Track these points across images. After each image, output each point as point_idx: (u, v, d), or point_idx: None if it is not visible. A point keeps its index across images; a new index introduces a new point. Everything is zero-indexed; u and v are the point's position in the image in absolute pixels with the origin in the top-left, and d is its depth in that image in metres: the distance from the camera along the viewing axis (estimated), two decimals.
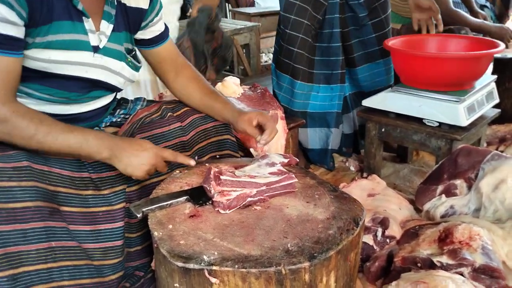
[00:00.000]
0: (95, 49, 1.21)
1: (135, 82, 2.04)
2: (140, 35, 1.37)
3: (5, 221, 1.01)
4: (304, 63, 2.29)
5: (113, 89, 1.33)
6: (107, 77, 1.26)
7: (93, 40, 1.20)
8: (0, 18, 1.01)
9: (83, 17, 1.17)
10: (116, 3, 1.23)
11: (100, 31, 1.21)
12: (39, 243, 1.05)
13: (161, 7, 1.39)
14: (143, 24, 1.34)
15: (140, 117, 1.38)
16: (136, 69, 1.34)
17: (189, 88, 1.43)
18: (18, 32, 1.06)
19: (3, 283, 0.99)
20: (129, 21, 1.30)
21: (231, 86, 2.02)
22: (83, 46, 1.18)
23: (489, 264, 1.26)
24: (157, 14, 1.37)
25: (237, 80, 2.08)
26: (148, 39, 1.38)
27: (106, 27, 1.23)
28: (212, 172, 1.14)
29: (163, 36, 1.41)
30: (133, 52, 1.36)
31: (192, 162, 1.22)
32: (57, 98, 1.19)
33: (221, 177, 1.12)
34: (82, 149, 1.10)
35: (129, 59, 1.31)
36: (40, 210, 1.05)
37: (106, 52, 1.23)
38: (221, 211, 1.09)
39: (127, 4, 1.28)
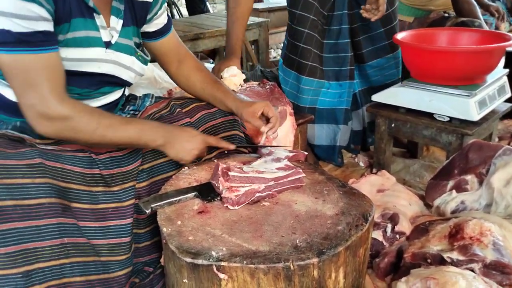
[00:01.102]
0: (107, 45, 1.22)
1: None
2: (145, 28, 1.38)
3: (20, 217, 1.02)
4: (312, 59, 2.28)
5: (123, 84, 1.34)
6: (119, 72, 1.28)
7: (105, 36, 1.22)
8: (35, 17, 1.03)
9: (94, 14, 1.18)
10: None
11: (110, 27, 1.23)
12: (53, 239, 1.06)
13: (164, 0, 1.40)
14: (149, 17, 1.36)
15: (150, 113, 1.39)
16: (145, 62, 1.36)
17: (192, 78, 1.46)
18: (51, 27, 1.08)
19: (18, 279, 1.00)
20: (136, 15, 1.31)
21: (229, 80, 1.99)
22: (95, 42, 1.20)
23: (500, 260, 1.25)
24: (161, 7, 1.38)
25: (234, 70, 2.04)
26: (153, 31, 1.40)
27: (116, 22, 1.24)
28: (220, 168, 1.14)
29: (167, 28, 1.43)
30: (141, 46, 1.37)
31: (232, 146, 1.33)
32: (70, 94, 1.20)
33: (230, 173, 1.12)
34: (140, 138, 1.17)
35: (138, 53, 1.33)
36: (53, 206, 1.06)
37: (117, 47, 1.25)
38: (230, 207, 1.09)
39: None
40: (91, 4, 1.15)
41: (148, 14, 1.35)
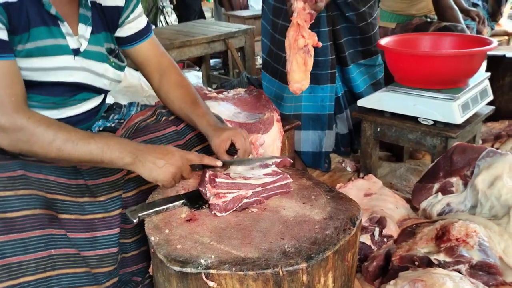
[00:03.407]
0: (76, 52, 1.19)
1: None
2: (118, 33, 1.34)
3: (3, 231, 1.00)
4: None
5: (100, 91, 1.31)
6: (91, 79, 1.24)
7: (72, 43, 1.18)
8: None
9: (58, 21, 1.15)
10: (90, 5, 1.21)
11: (79, 35, 1.20)
12: (38, 252, 1.05)
13: (137, 3, 1.35)
14: (120, 21, 1.32)
15: (135, 122, 1.37)
16: (120, 68, 1.32)
17: (170, 95, 1.38)
18: (4, 35, 1.04)
19: None
20: (107, 21, 1.28)
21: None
22: (62, 50, 1.16)
23: (486, 261, 1.27)
24: (132, 11, 1.34)
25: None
26: (126, 37, 1.35)
27: (85, 30, 1.21)
28: (207, 175, 1.14)
29: (143, 34, 1.37)
30: (116, 52, 1.33)
31: (219, 163, 1.20)
32: (44, 104, 1.18)
33: (217, 179, 1.12)
34: (104, 155, 1.07)
35: (111, 60, 1.29)
36: (39, 217, 1.05)
37: (87, 55, 1.22)
38: (218, 214, 1.09)
39: (103, 4, 1.25)
40: (53, 11, 1.12)
41: (120, 18, 1.31)
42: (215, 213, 1.09)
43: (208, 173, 1.15)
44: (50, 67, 1.14)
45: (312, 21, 1.64)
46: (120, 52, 1.36)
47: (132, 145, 1.11)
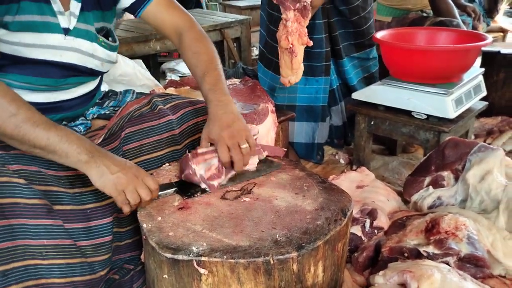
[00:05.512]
0: (66, 31, 1.19)
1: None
2: (121, 4, 1.32)
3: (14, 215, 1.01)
4: None
5: (93, 73, 1.30)
6: (82, 60, 1.23)
7: (63, 22, 1.18)
8: None
9: None
10: None
11: (70, 11, 1.19)
12: (39, 239, 1.05)
13: None
14: None
15: (130, 110, 1.36)
16: (111, 49, 1.31)
17: (188, 62, 1.34)
18: None
19: None
20: None
21: None
22: (53, 28, 1.16)
23: (474, 254, 1.29)
24: None
25: None
26: (129, 6, 1.34)
27: (75, 6, 1.20)
28: (189, 155, 1.16)
29: None
30: (105, 31, 1.31)
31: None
32: (37, 86, 1.18)
33: (198, 150, 1.16)
34: (60, 145, 1.00)
35: (100, 39, 1.27)
36: (37, 206, 1.05)
37: (77, 33, 1.21)
38: (216, 184, 1.14)
39: None
40: None
41: None
42: (208, 202, 1.10)
43: (189, 155, 1.17)
44: (39, 43, 1.14)
45: (309, 17, 1.69)
46: (113, 31, 1.34)
47: (92, 144, 1.05)
